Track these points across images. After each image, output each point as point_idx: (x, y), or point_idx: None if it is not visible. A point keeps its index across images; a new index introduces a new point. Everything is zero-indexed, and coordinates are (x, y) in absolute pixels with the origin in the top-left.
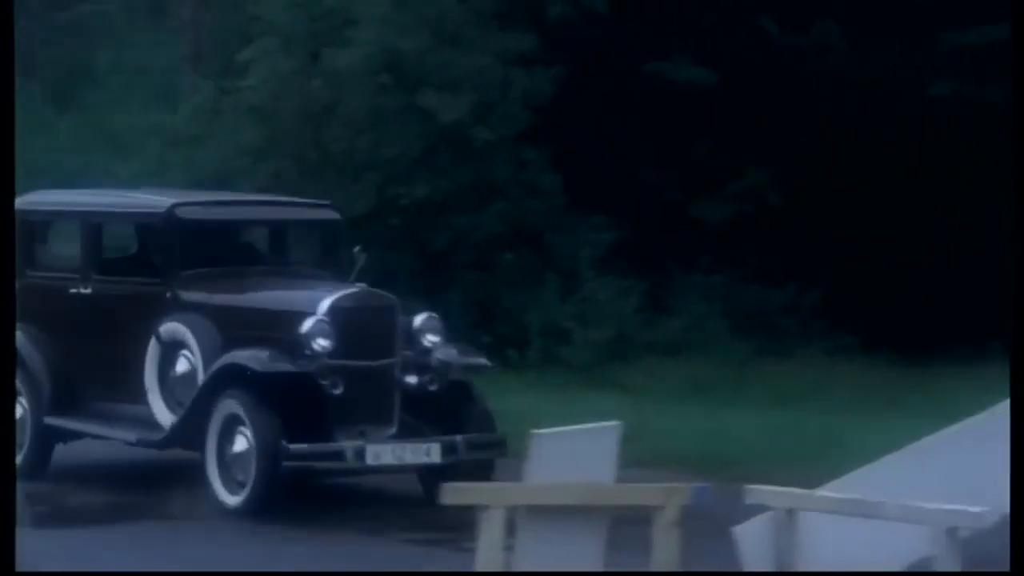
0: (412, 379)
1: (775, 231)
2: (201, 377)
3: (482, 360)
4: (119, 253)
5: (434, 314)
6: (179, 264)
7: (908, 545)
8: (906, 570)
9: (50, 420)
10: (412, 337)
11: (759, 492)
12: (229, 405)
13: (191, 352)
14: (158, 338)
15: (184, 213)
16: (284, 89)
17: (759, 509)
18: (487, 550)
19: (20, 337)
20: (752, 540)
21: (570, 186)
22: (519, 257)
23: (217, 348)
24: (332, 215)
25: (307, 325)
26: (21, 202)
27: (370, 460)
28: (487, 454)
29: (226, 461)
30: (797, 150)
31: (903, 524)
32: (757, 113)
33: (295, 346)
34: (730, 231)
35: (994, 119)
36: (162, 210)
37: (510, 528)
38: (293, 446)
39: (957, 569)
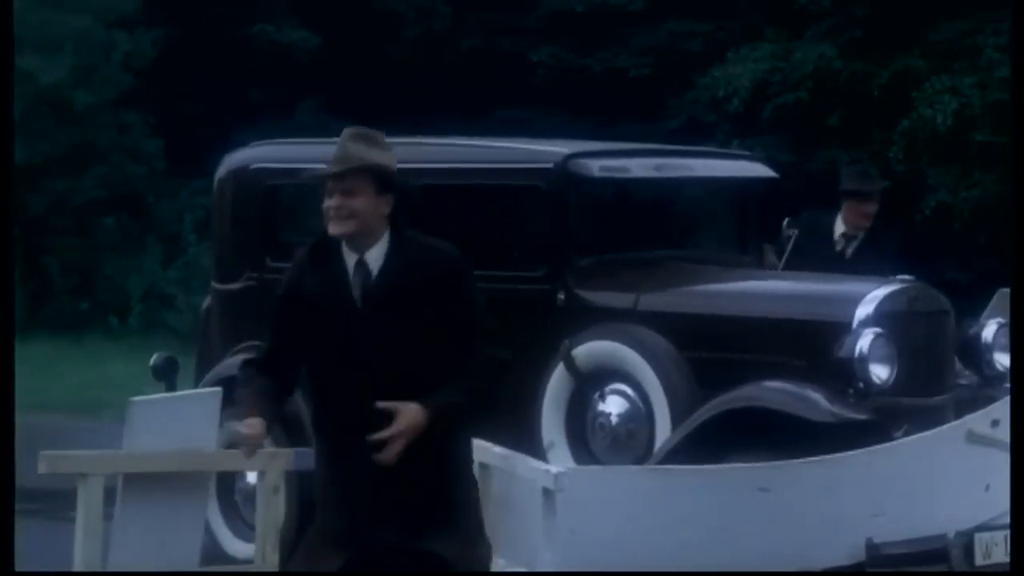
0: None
1: None
2: (663, 428)
3: None
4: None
5: (1004, 321)
6: (575, 248)
7: None
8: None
9: None
10: (973, 355)
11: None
12: None
13: (640, 387)
14: (571, 367)
15: (584, 168)
16: None
17: None
18: (86, 519)
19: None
20: None
21: (172, 150)
22: (119, 222)
23: (687, 381)
24: (769, 172)
25: (855, 343)
26: (248, 156)
27: (979, 559)
28: None
29: None
30: None
31: None
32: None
33: (826, 376)
34: None
35: None
36: (550, 164)
37: (109, 497)
38: (876, 539)
39: None
